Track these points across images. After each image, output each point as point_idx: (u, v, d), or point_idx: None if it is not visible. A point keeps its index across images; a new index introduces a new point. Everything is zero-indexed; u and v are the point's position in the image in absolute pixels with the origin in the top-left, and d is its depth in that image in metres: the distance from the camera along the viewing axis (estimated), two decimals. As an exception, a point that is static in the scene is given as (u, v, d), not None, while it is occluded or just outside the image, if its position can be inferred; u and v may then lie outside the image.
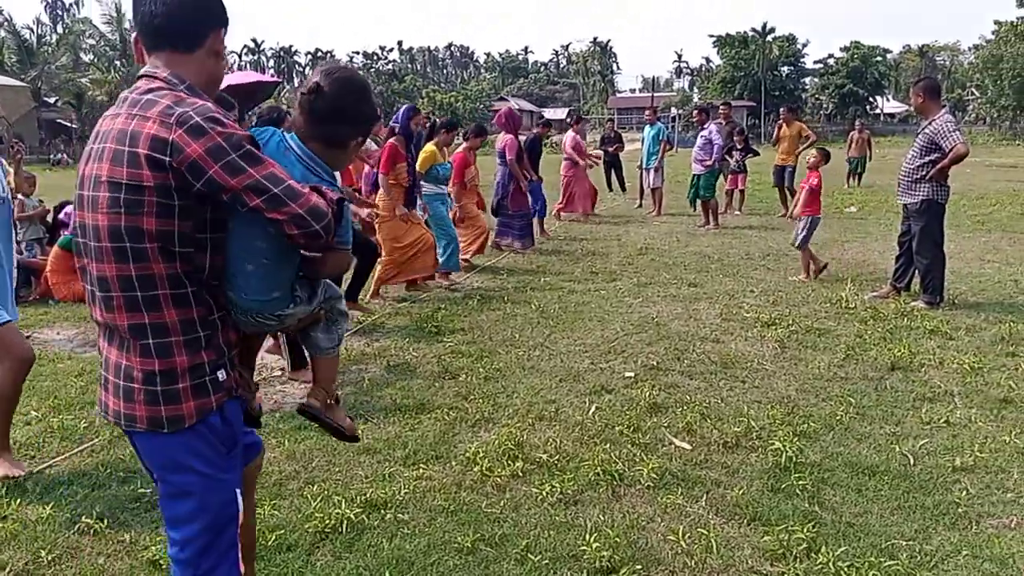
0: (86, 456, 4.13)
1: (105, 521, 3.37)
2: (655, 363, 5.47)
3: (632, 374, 5.26)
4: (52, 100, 56.00)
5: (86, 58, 63.94)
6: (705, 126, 12.90)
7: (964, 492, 3.56)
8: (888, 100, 76.14)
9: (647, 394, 4.78)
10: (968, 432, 4.26)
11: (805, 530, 3.17)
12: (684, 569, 2.99)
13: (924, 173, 6.78)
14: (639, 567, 2.96)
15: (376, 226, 7.63)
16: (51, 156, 45.40)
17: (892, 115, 74.20)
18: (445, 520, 3.38)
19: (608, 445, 4.09)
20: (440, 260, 8.17)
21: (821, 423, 4.39)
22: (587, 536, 3.19)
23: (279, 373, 5.49)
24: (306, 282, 2.14)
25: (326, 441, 4.24)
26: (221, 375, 1.96)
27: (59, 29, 63.81)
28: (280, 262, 2.01)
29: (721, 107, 14.89)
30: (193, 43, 1.95)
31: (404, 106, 7.94)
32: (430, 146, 8.34)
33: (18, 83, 50.32)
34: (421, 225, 7.78)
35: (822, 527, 3.28)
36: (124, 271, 1.84)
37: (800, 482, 3.62)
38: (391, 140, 7.47)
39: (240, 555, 2.10)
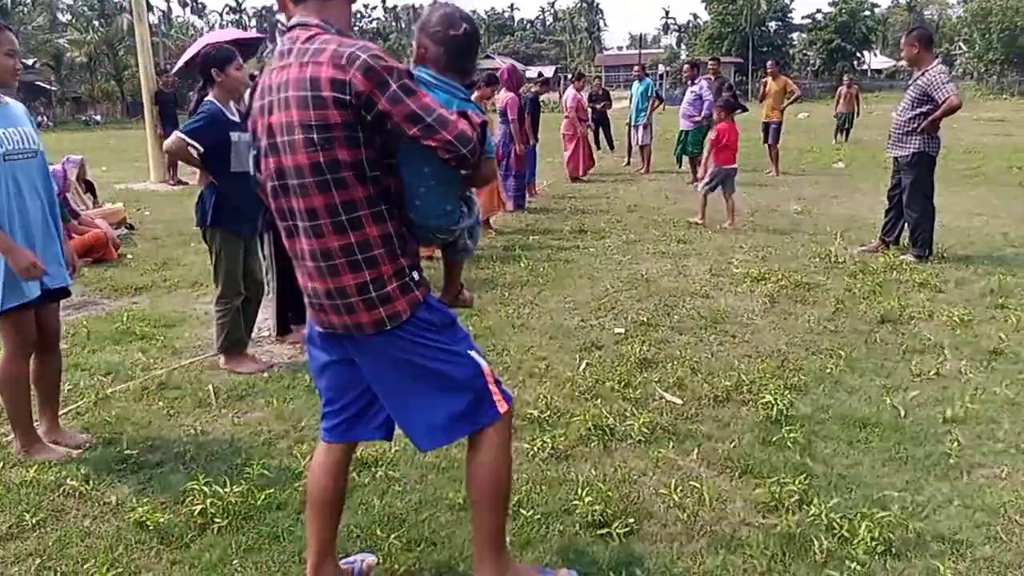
0: (71, 418, 4.07)
1: (91, 483, 3.33)
2: (645, 319, 5.43)
3: (622, 330, 5.23)
4: (30, 62, 54.83)
5: (64, 18, 62.53)
6: (695, 81, 12.75)
7: (955, 443, 3.56)
8: (876, 55, 75.60)
9: (637, 350, 4.75)
10: (958, 384, 4.26)
11: (797, 482, 3.15)
12: (676, 522, 2.98)
13: (916, 125, 6.71)
14: (631, 521, 2.95)
15: None
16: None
17: (879, 71, 73.75)
18: (436, 477, 3.36)
19: (599, 401, 4.06)
20: None
21: (811, 376, 4.38)
22: (579, 491, 3.17)
23: (267, 334, 5.43)
24: (466, 195, 2.44)
25: (315, 401, 4.20)
26: (416, 275, 2.24)
27: (34, -12, 62.23)
28: (446, 183, 2.28)
29: (710, 63, 14.69)
30: None
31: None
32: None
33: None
34: None
35: (814, 479, 3.27)
36: (330, 199, 2.08)
37: (791, 435, 3.61)
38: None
39: (492, 393, 2.39)
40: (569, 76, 14.55)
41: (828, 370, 4.45)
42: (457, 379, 2.29)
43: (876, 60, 75.31)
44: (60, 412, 4.06)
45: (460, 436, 2.38)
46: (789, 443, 3.57)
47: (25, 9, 57.95)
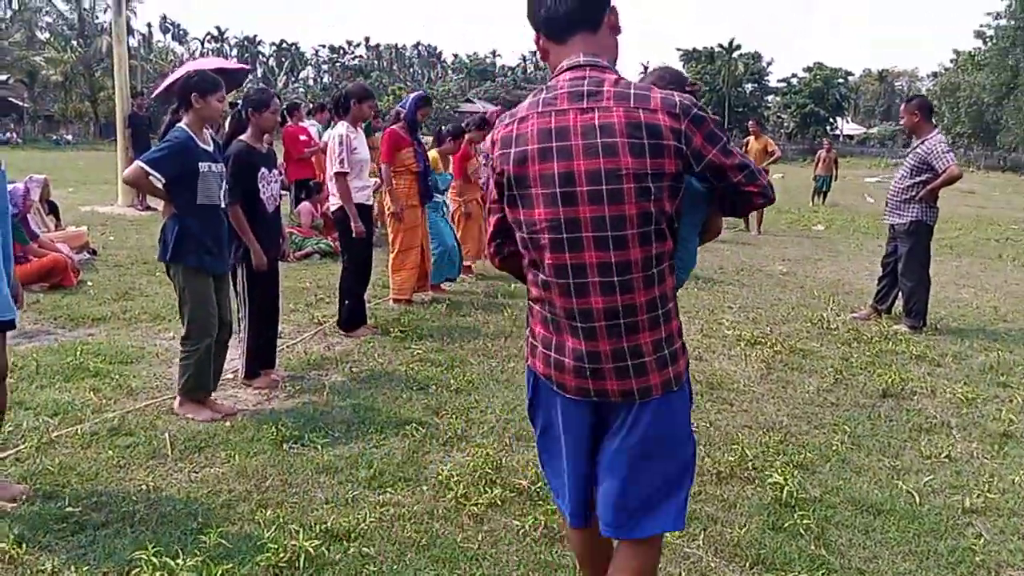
0: (9, 465, 3.66)
1: (24, 546, 2.92)
2: (638, 381, 5.14)
3: (614, 392, 4.93)
4: (3, 78, 53.98)
5: (42, 36, 61.82)
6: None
7: (979, 538, 3.29)
8: (848, 122, 77.45)
9: (632, 415, 4.44)
10: (972, 468, 4.01)
11: (816, 578, 2.87)
12: (687, 622, 2.67)
13: (914, 193, 6.58)
14: (637, 620, 2.62)
15: (389, 222, 7.13)
16: (1, 134, 43.78)
17: (851, 136, 75.46)
18: (416, 556, 3.01)
19: (594, 472, 3.74)
20: (431, 271, 7.66)
21: (816, 453, 4.10)
22: (576, 579, 2.85)
23: (231, 376, 5.05)
24: None
25: (281, 457, 3.84)
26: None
27: (14, 5, 61.52)
28: (699, 236, 2.30)
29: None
30: (599, 22, 2.06)
31: (414, 93, 7.44)
32: (433, 153, 7.91)
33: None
34: (420, 228, 7.18)
35: (832, 574, 2.98)
36: (647, 252, 1.99)
37: (803, 520, 3.32)
38: (392, 127, 7.02)
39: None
40: None
41: (833, 447, 4.18)
42: (689, 461, 2.16)
43: (848, 126, 77.14)
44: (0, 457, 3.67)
45: (678, 528, 2.17)
46: (801, 530, 3.28)
47: (3, 24, 57.27)
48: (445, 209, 8.23)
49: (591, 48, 2.03)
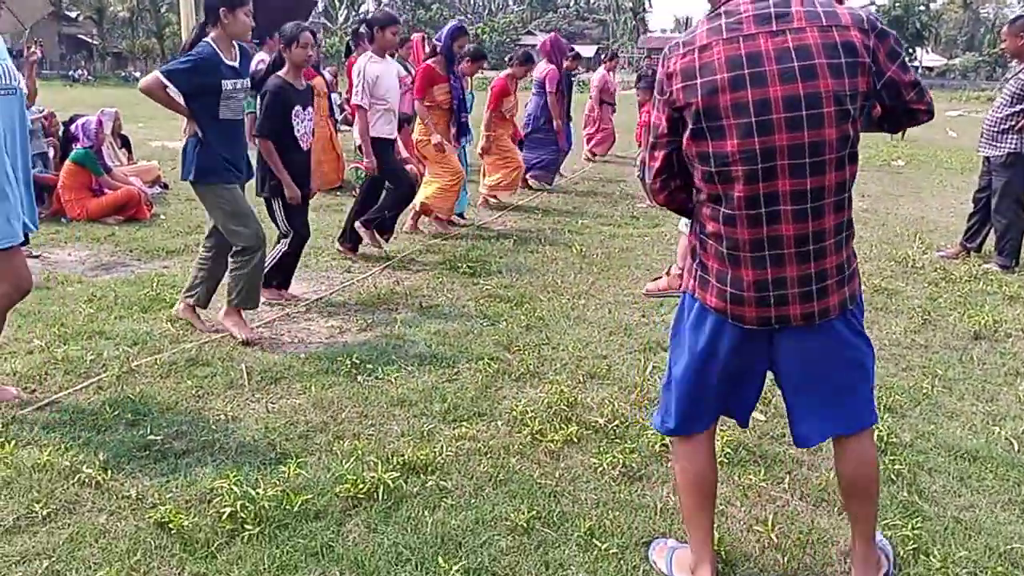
0: (92, 393, 3.73)
1: (109, 472, 2.98)
2: (714, 319, 4.98)
3: (689, 330, 4.79)
4: (73, 14, 54.78)
5: (109, -28, 62.43)
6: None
7: (1086, 488, 3.11)
8: (928, 52, 73.60)
9: (709, 354, 4.31)
10: (1074, 416, 3.79)
11: (910, 527, 2.73)
12: (775, 567, 2.57)
13: (1013, 123, 6.16)
14: (722, 566, 2.54)
15: (419, 154, 7.10)
16: (71, 72, 44.66)
17: (930, 68, 71.76)
18: (494, 491, 2.97)
19: (672, 411, 3.64)
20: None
21: (906, 396, 3.92)
22: (658, 519, 2.78)
23: (303, 309, 5.07)
24: None
25: (356, 389, 3.84)
26: None
27: (81, -59, 62.06)
28: None
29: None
30: None
31: (450, 24, 7.28)
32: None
33: (35, -11, 49.07)
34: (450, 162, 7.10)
35: (927, 522, 2.84)
36: (840, 176, 1.98)
37: (895, 466, 3.18)
38: (428, 62, 6.87)
39: None
40: (602, 56, 13.86)
41: (924, 390, 3.99)
42: (869, 364, 2.23)
43: (928, 57, 73.35)
44: (82, 386, 3.75)
45: (873, 423, 2.31)
46: (893, 475, 3.14)
47: (71, -39, 57.84)
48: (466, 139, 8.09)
49: None
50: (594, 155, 13.03)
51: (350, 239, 6.36)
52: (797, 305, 2.06)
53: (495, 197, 8.83)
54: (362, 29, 6.36)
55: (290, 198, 4.87)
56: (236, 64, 4.21)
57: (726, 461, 3.20)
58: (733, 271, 2.07)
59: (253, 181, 4.75)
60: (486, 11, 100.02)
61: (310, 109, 4.96)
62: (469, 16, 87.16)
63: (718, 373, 2.22)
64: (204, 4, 4.34)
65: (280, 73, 4.83)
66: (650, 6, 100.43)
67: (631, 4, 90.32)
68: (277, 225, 5.06)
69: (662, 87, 2.07)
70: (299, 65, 4.89)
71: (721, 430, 3.43)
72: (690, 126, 2.00)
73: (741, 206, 2.00)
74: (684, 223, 2.55)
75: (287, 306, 5.10)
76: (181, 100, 4.17)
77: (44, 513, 2.72)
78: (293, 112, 4.79)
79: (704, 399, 2.28)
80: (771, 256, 2.02)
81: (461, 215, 7.96)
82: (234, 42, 4.22)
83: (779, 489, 3.05)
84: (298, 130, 4.83)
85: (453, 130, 7.01)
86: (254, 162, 4.73)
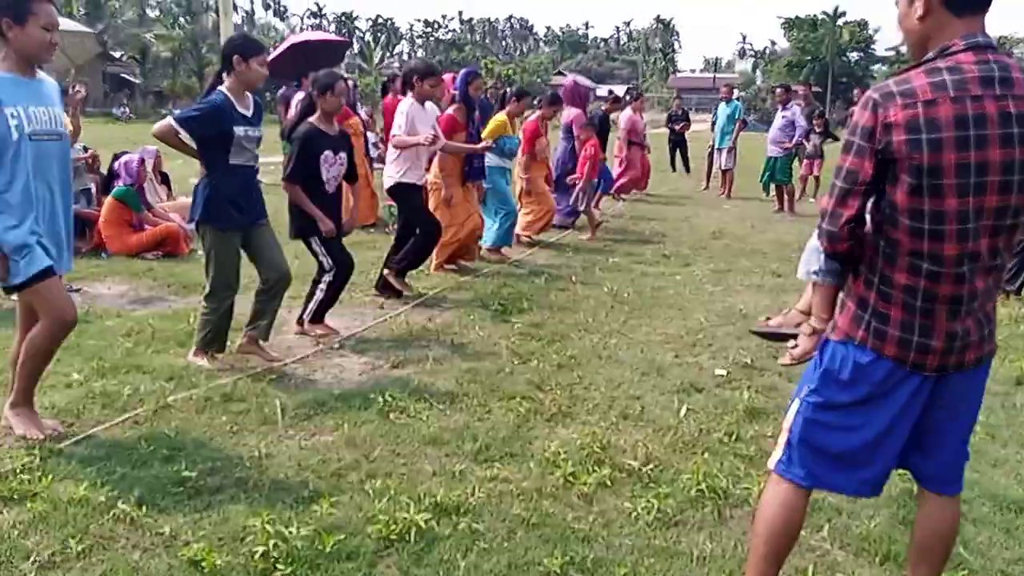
0: (128, 428, 3.77)
1: (144, 508, 2.99)
2: (749, 360, 4.93)
3: (723, 372, 4.74)
4: (117, 55, 56.41)
5: (152, 14, 64.31)
6: (787, 106, 12.17)
7: None
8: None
9: (744, 396, 4.27)
10: (1125, 466, 3.67)
11: (956, 579, 2.66)
12: (815, 619, 2.51)
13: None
14: (762, 614, 2.48)
15: (431, 195, 7.15)
16: (114, 110, 45.84)
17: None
18: (526, 534, 2.93)
19: (707, 455, 3.59)
20: (493, 234, 7.70)
21: (948, 443, 3.83)
22: (695, 567, 2.73)
23: (336, 346, 5.10)
24: None
25: (388, 427, 3.84)
26: None
27: (127, -17, 64.14)
28: None
29: (801, 89, 14.10)
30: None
31: (463, 69, 7.40)
32: (501, 116, 7.82)
33: (84, 28, 50.58)
34: (470, 206, 7.16)
35: (973, 574, 2.76)
36: (1022, 234, 2.11)
37: (938, 516, 3.09)
38: (449, 111, 6.98)
39: None
40: (626, 97, 13.95)
41: (966, 437, 3.90)
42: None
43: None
44: (118, 420, 3.79)
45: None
46: (936, 526, 3.05)
47: (117, 3, 59.75)
48: (510, 175, 8.15)
49: (982, 27, 2.02)
50: (620, 196, 13.03)
51: (388, 288, 6.38)
52: (973, 350, 2.15)
53: (528, 236, 8.85)
54: (392, 81, 6.52)
55: (325, 232, 4.94)
56: (249, 112, 4.31)
57: (763, 508, 3.14)
58: (923, 321, 2.10)
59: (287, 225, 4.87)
60: (517, 52, 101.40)
61: (342, 154, 5.04)
62: (500, 57, 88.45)
63: (884, 423, 2.20)
64: (221, 52, 4.46)
65: (311, 119, 4.93)
66: (680, 47, 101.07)
67: (660, 45, 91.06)
68: (321, 264, 5.14)
69: (870, 134, 2.02)
70: (331, 113, 5.00)
71: (753, 473, 3.38)
72: (908, 181, 1.99)
73: (950, 264, 2.04)
74: (814, 272, 2.47)
75: (322, 341, 5.13)
76: (193, 144, 4.31)
77: (79, 549, 2.73)
78: (322, 157, 4.88)
79: (866, 452, 2.24)
80: (965, 310, 2.09)
81: (499, 248, 7.97)
82: (247, 93, 4.32)
83: (818, 538, 2.98)
84: (326, 175, 4.92)
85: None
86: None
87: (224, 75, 4.29)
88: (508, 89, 8.62)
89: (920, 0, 2.01)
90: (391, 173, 6.25)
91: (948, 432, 2.27)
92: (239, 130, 4.21)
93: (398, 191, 6.29)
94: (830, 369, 2.22)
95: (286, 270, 4.62)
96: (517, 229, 8.71)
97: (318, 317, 5.26)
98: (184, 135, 4.24)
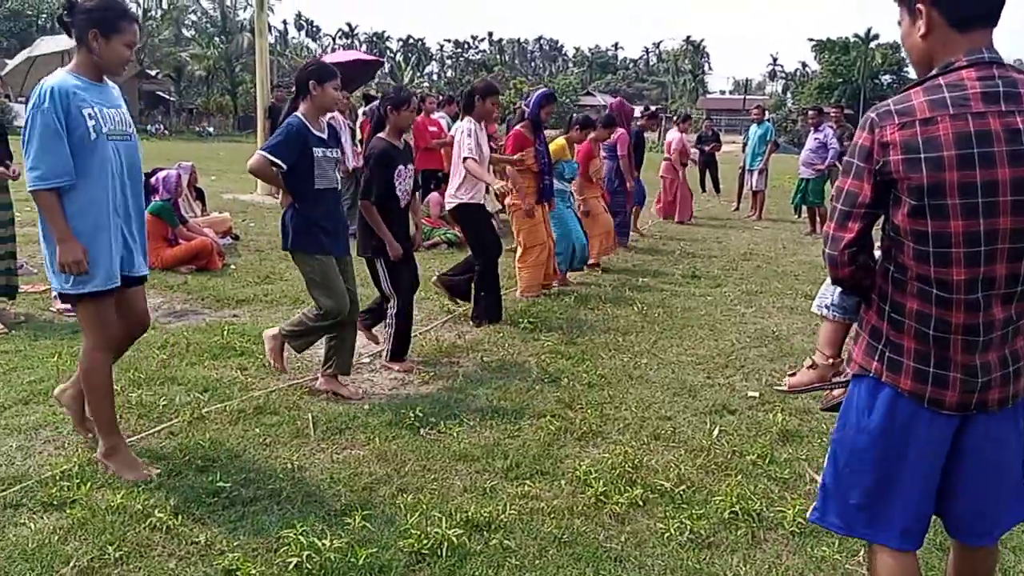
0: (164, 437, 3.82)
1: (180, 517, 3.02)
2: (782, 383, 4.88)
3: (756, 394, 4.71)
4: (153, 72, 57.63)
5: (187, 33, 65.68)
6: (820, 128, 12.12)
7: None
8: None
9: (778, 419, 4.22)
10: None
11: (997, 610, 2.60)
12: (852, 646, 2.47)
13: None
14: (798, 638, 2.45)
15: (512, 219, 7.13)
16: (149, 126, 46.74)
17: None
18: (558, 552, 2.92)
19: (740, 477, 3.56)
20: (558, 260, 7.61)
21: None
22: (728, 590, 2.70)
23: (367, 361, 5.13)
24: None
25: (418, 443, 3.85)
26: None
27: (164, 3, 65.58)
28: None
29: (834, 111, 14.02)
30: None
31: (540, 91, 7.42)
32: (561, 140, 7.83)
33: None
34: (543, 225, 7.12)
35: (1014, 605, 2.70)
36: None
37: (977, 543, 3.03)
38: (517, 127, 7.03)
39: None
40: (673, 117, 14.01)
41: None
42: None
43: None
44: (154, 430, 3.83)
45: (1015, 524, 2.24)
46: (975, 554, 2.99)
47: (154, 23, 61.07)
48: (572, 200, 8.13)
49: (989, 42, 1.92)
50: (683, 221, 13.00)
51: (484, 315, 6.23)
52: (997, 389, 2.00)
53: (597, 264, 8.71)
54: (465, 96, 6.43)
55: (393, 256, 4.88)
56: (324, 135, 4.35)
57: (797, 532, 3.11)
58: (938, 352, 1.99)
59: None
60: (546, 72, 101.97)
61: (411, 166, 5.08)
62: (529, 78, 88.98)
63: (910, 466, 2.06)
64: (295, 78, 4.53)
65: (382, 135, 4.97)
66: (710, 68, 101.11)
67: (690, 66, 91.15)
68: (381, 290, 5.05)
69: (868, 155, 1.95)
70: (403, 128, 5.03)
71: (787, 497, 3.35)
72: (909, 202, 1.91)
73: (960, 290, 1.93)
74: (826, 305, 2.41)
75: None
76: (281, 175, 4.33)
77: (117, 555, 2.77)
78: (396, 172, 4.90)
79: (898, 498, 2.08)
80: (982, 341, 1.96)
81: (565, 272, 7.87)
82: (321, 118, 4.38)
83: (853, 563, 2.94)
84: (400, 188, 4.94)
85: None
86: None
87: (299, 99, 4.36)
88: (573, 115, 8.60)
89: (923, 17, 1.93)
90: (455, 194, 6.18)
91: (972, 479, 2.08)
92: (317, 151, 4.25)
93: (463, 213, 6.22)
94: (847, 408, 2.14)
95: (356, 302, 4.57)
96: (592, 259, 8.53)
97: (398, 356, 5.10)
98: (276, 165, 4.22)
